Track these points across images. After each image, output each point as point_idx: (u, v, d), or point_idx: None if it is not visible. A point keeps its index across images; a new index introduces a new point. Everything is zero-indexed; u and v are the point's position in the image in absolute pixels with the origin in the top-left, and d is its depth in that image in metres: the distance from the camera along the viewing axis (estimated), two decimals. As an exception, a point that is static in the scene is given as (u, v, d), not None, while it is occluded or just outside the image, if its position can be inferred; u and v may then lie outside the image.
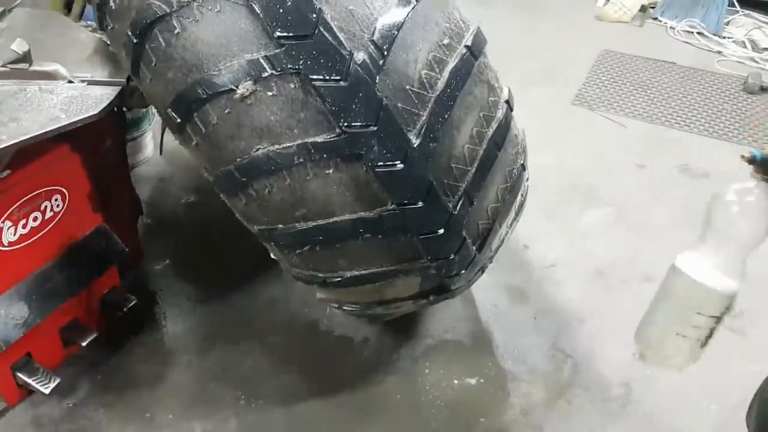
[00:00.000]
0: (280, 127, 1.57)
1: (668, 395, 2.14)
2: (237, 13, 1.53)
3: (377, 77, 1.55)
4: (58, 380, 1.96)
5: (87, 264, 2.04)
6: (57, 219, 1.95)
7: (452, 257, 1.77)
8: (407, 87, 1.60)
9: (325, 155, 1.58)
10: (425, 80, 1.63)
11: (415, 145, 1.60)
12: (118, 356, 2.18)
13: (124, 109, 2.53)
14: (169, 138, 3.00)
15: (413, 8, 1.63)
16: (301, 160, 1.59)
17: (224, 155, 1.66)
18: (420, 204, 1.65)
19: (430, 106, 1.63)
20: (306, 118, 1.56)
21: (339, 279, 1.80)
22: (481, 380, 2.15)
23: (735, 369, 2.22)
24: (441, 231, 1.70)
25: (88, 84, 1.86)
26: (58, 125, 1.69)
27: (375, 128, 1.56)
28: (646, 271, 2.59)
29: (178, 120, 1.68)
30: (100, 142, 2.13)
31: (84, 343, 2.04)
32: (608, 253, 2.66)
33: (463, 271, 1.85)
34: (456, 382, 2.14)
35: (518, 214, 2.08)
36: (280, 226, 1.73)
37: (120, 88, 1.84)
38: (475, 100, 1.76)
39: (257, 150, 1.60)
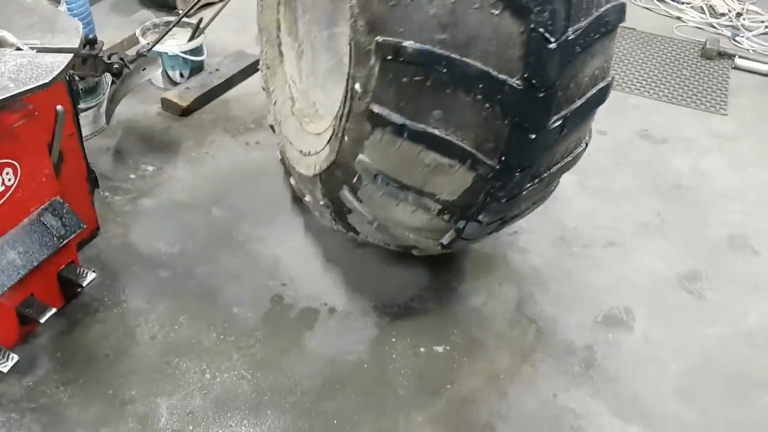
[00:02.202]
0: None
1: (630, 358, 2.18)
2: None
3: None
4: (16, 359, 1.90)
5: (42, 239, 1.98)
6: (9, 193, 1.88)
7: (512, 179, 1.81)
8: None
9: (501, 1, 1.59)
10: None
11: (569, 38, 1.64)
12: (78, 333, 2.13)
13: (77, 77, 2.45)
14: (124, 108, 2.94)
15: None
16: None
17: None
18: (540, 94, 1.67)
19: (591, 18, 1.67)
20: None
21: (420, 130, 1.73)
22: (447, 347, 2.17)
23: (694, 331, 2.28)
24: (532, 137, 1.73)
25: (37, 51, 1.78)
26: (7, 95, 1.62)
27: None
28: (608, 236, 2.62)
29: None
30: (52, 112, 2.04)
31: (42, 320, 1.99)
32: (571, 219, 2.68)
33: (495, 209, 1.87)
34: (422, 349, 2.15)
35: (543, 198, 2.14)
36: (412, 41, 1.64)
37: (72, 55, 1.76)
38: (608, 51, 1.83)
39: None
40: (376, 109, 1.73)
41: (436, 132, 1.72)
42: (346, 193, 1.98)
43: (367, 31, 1.69)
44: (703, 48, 3.81)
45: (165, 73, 3.20)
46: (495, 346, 2.18)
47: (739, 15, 4.13)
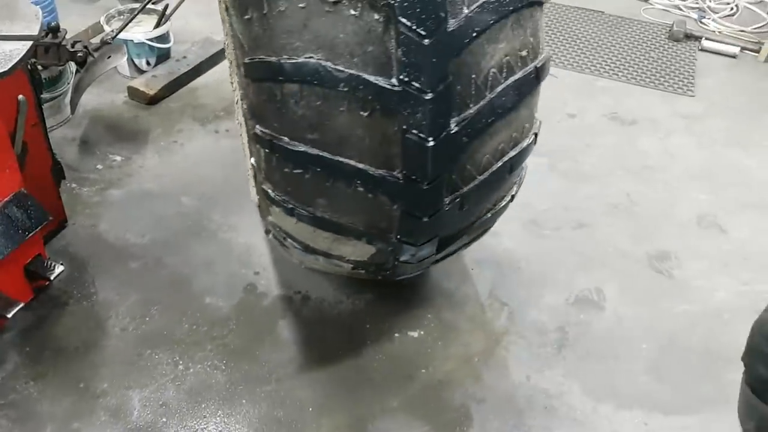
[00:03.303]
0: (344, 48, 1.51)
1: (601, 338, 2.21)
2: None
3: (456, 52, 1.52)
4: (-17, 354, 1.87)
5: (7, 232, 1.93)
6: (-29, 186, 1.84)
7: (415, 249, 1.79)
8: (473, 76, 1.57)
9: (369, 97, 1.53)
10: (490, 79, 1.60)
11: (451, 132, 1.58)
12: (47, 327, 2.10)
13: (40, 66, 2.39)
14: (89, 97, 2.88)
15: (514, 11, 1.60)
16: (345, 89, 1.53)
17: (274, 45, 1.56)
18: (424, 186, 1.63)
19: (481, 104, 1.60)
20: (372, 53, 1.50)
21: (307, 214, 1.74)
22: (421, 332, 2.17)
23: (664, 309, 2.31)
24: (425, 220, 1.70)
25: (-5, 39, 1.73)
26: (-35, 85, 1.58)
27: (429, 97, 1.52)
28: (579, 217, 2.65)
29: None
30: (14, 102, 2.00)
31: (9, 315, 1.95)
32: (542, 202, 2.70)
33: (410, 266, 1.86)
34: (397, 335, 2.16)
35: (473, 241, 2.08)
36: (287, 139, 1.64)
37: (32, 43, 1.72)
38: (516, 121, 1.74)
39: (309, 58, 1.53)
40: (267, 188, 1.75)
41: (326, 216, 1.72)
42: (274, 238, 2.00)
43: (250, 117, 1.71)
44: (670, 30, 3.84)
45: (131, 61, 3.15)
46: (468, 330, 2.19)
47: (705, -3, 4.17)
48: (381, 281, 2.14)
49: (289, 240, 1.89)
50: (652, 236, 2.58)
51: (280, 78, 1.58)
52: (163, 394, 1.95)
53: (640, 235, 2.57)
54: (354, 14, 1.49)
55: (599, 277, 2.40)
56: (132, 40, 3.06)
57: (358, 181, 1.64)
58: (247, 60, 1.64)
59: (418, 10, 1.47)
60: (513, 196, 2.03)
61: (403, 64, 1.49)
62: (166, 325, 2.13)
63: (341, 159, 1.61)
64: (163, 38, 3.18)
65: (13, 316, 1.96)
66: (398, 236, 1.75)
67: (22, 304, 1.99)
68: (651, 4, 4.17)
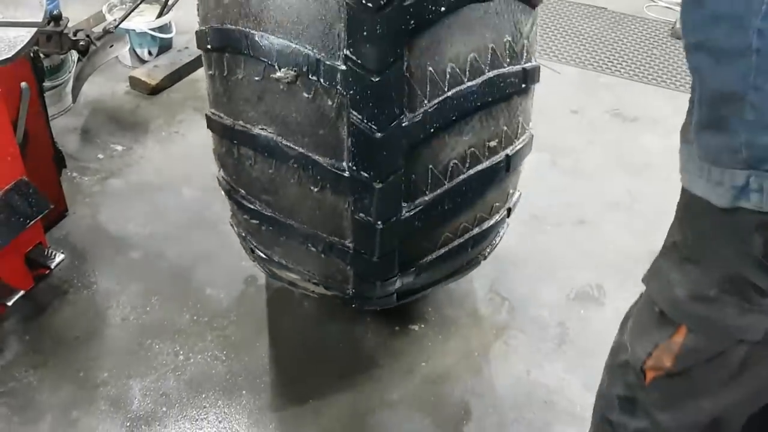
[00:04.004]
0: (297, 127, 1.50)
1: (601, 333, 2.19)
2: None
3: (410, 146, 1.49)
4: (-17, 342, 1.87)
5: (8, 220, 1.93)
6: (-28, 173, 1.83)
7: (373, 302, 1.83)
8: (430, 167, 1.55)
9: (319, 177, 1.53)
10: (450, 169, 1.58)
11: (402, 216, 1.57)
12: (47, 315, 2.10)
13: (42, 55, 2.39)
14: (91, 86, 2.87)
15: (482, 106, 1.56)
16: (295, 165, 1.54)
17: (230, 108, 1.59)
18: (375, 259, 1.63)
19: (438, 192, 1.59)
20: (324, 137, 1.49)
21: (267, 258, 1.80)
22: (422, 326, 2.17)
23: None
24: (379, 283, 1.72)
25: (-1, 26, 1.72)
26: (-32, 71, 1.57)
27: (379, 186, 1.50)
28: (579, 214, 2.64)
29: (209, 46, 1.58)
30: (16, 89, 1.99)
31: (9, 303, 1.95)
32: (543, 198, 2.70)
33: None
34: (397, 328, 2.16)
35: (465, 268, 2.01)
36: (243, 192, 1.69)
37: (35, 29, 1.71)
38: (482, 204, 1.73)
39: (262, 129, 1.53)
40: (232, 222, 1.87)
41: (283, 261, 1.77)
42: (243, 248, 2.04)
43: (217, 162, 1.80)
44: (672, 28, 3.84)
45: (133, 50, 3.14)
46: (469, 324, 2.19)
47: (708, -5, 4.16)
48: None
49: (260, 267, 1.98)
50: (653, 233, 2.54)
51: (235, 141, 1.61)
52: (164, 384, 1.95)
53: (641, 232, 2.57)
54: (308, 97, 1.47)
55: (600, 273, 2.40)
56: (134, 30, 3.05)
57: (310, 244, 1.66)
58: (208, 113, 1.70)
59: (371, 104, 1.42)
60: (485, 256, 2.00)
61: (353, 153, 1.48)
62: (166, 315, 2.13)
63: (293, 223, 1.64)
64: (165, 28, 3.17)
65: (13, 304, 1.96)
66: (354, 290, 1.77)
67: (22, 292, 1.99)
68: (654, 2, 4.17)
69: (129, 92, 3.04)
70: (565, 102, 3.25)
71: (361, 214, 1.55)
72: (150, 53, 3.16)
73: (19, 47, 1.64)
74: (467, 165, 1.61)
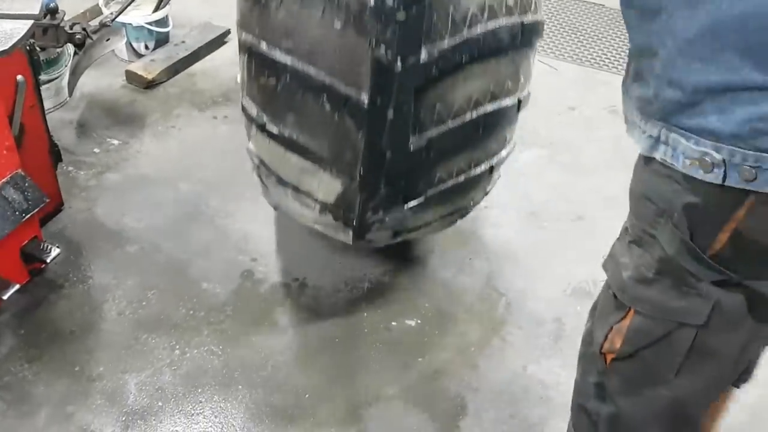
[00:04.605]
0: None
1: (598, 329, 2.20)
2: None
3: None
4: (-22, 336, 1.86)
5: (3, 214, 1.92)
6: (-32, 166, 1.82)
7: (380, 189, 1.77)
8: (451, 9, 1.58)
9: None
10: (469, 17, 1.61)
11: (421, 60, 1.58)
12: (43, 309, 2.09)
13: (38, 48, 2.37)
14: (87, 80, 2.86)
15: None
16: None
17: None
18: (389, 113, 1.63)
19: (456, 39, 1.61)
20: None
21: (277, 132, 1.76)
22: (419, 321, 2.17)
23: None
24: (389, 155, 1.69)
25: (-5, 18, 1.71)
26: (-37, 63, 1.56)
27: (401, 17, 1.53)
28: (577, 210, 2.64)
29: None
30: (12, 82, 1.98)
31: (4, 297, 1.94)
32: (541, 194, 2.70)
33: (379, 212, 1.82)
34: (394, 323, 2.15)
35: (453, 214, 2.06)
36: (264, 44, 1.67)
37: (32, 22, 1.70)
38: (495, 73, 1.74)
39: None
40: (246, 104, 1.81)
41: (293, 137, 1.74)
42: (257, 175, 2.05)
43: (238, 24, 1.76)
44: (670, 25, 3.83)
45: (129, 44, 3.12)
46: (466, 319, 2.19)
47: (706, -8, 4.16)
48: (352, 247, 2.11)
49: (264, 169, 1.91)
50: (650, 230, 2.57)
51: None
52: (160, 379, 1.94)
53: (638, 229, 2.57)
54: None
55: (596, 268, 2.37)
56: (131, 24, 3.04)
57: (326, 96, 1.65)
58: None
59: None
60: (476, 202, 2.04)
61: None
62: (162, 309, 2.12)
63: (312, 69, 1.63)
64: (162, 22, 3.15)
65: (8, 298, 1.95)
66: (362, 170, 1.73)
67: (17, 286, 1.98)
68: (652, -1, 4.16)
69: (125, 86, 3.02)
70: (562, 99, 3.24)
71: (381, 51, 1.57)
72: (147, 47, 3.15)
73: (15, 39, 1.63)
74: (485, 16, 1.67)
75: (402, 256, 2.38)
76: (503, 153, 2.00)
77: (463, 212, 2.07)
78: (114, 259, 2.27)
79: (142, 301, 2.14)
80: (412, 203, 1.82)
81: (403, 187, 1.81)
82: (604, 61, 3.57)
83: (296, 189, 1.86)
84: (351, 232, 1.89)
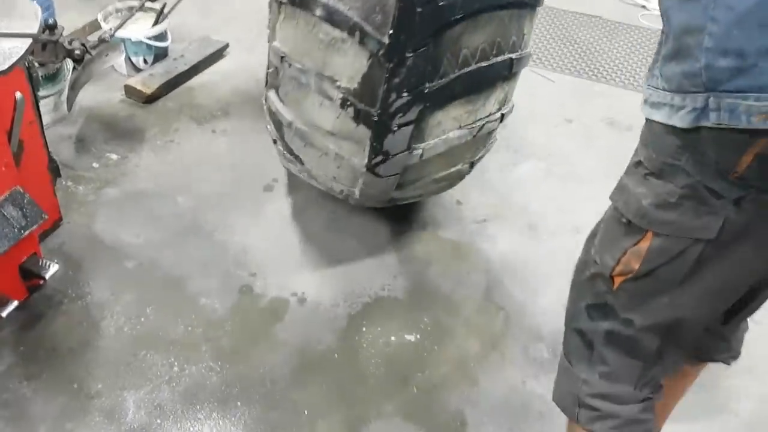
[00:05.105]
0: None
1: (597, 343, 2.20)
2: None
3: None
4: (-24, 353, 1.86)
5: (2, 231, 1.92)
6: (-34, 183, 1.83)
7: (406, 61, 1.83)
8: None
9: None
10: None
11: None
12: (42, 326, 2.08)
13: (37, 64, 2.38)
14: (86, 95, 2.87)
15: None
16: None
17: None
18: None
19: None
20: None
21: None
22: (418, 336, 2.17)
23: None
24: (419, 10, 1.74)
25: (-7, 37, 1.72)
26: (-38, 83, 1.57)
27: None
28: (575, 222, 2.64)
29: None
30: (11, 99, 1.98)
31: (3, 314, 1.94)
32: (539, 207, 2.70)
33: (403, 95, 1.86)
34: (393, 338, 2.15)
35: (454, 169, 2.19)
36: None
37: (31, 41, 1.71)
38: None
39: None
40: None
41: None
42: (272, 96, 2.17)
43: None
44: (667, 36, 3.85)
45: (128, 59, 3.13)
46: (464, 334, 2.19)
47: (702, 3, 4.18)
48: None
49: (286, 66, 2.03)
50: (648, 242, 2.58)
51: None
52: (158, 396, 1.94)
53: (636, 241, 2.58)
54: None
55: (595, 282, 2.40)
56: (129, 39, 3.05)
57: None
58: None
59: None
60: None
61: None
62: (161, 325, 2.12)
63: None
64: (161, 36, 3.17)
65: (7, 315, 1.95)
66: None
67: (16, 303, 1.99)
68: (648, 10, 4.18)
69: (124, 101, 3.03)
70: (559, 110, 3.26)
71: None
72: (145, 61, 3.16)
73: (14, 59, 1.64)
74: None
75: (400, 270, 2.38)
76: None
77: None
78: (112, 274, 2.27)
79: (141, 317, 2.14)
80: (430, 84, 1.90)
81: (430, 57, 1.87)
82: (601, 72, 3.58)
83: (319, 77, 1.93)
84: (366, 153, 1.98)
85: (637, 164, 1.23)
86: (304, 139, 2.12)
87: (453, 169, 2.25)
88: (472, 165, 2.32)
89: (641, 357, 1.33)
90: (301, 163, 2.22)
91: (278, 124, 2.20)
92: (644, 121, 1.20)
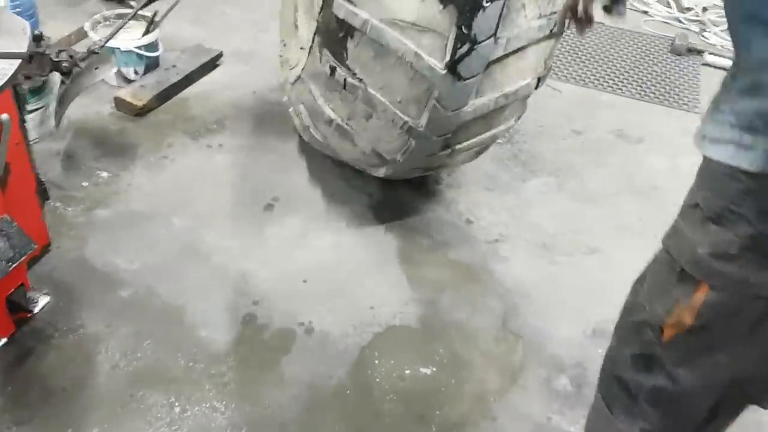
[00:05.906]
0: None
1: (620, 373, 2.10)
2: None
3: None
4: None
5: (-13, 262, 1.78)
6: (-52, 213, 1.68)
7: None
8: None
9: None
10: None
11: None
12: (31, 363, 1.93)
13: (22, 78, 2.23)
14: (74, 107, 2.71)
15: None
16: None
17: None
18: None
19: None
20: None
21: None
22: (433, 368, 2.05)
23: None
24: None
25: (-22, 57, 1.57)
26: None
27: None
28: (590, 241, 2.55)
29: None
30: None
31: (-11, 353, 1.80)
32: (551, 225, 2.60)
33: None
34: (408, 372, 2.03)
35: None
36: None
37: (20, 61, 1.56)
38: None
39: None
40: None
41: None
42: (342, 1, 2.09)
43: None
44: (672, 44, 3.76)
45: (118, 70, 2.98)
46: (482, 366, 2.08)
47: (705, 9, 4.10)
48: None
49: (350, 10, 2.01)
50: (667, 262, 2.48)
51: None
52: (159, 440, 1.81)
53: (654, 262, 2.48)
54: None
55: (616, 306, 2.28)
56: (119, 48, 2.90)
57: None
58: None
59: None
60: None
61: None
62: (160, 361, 1.98)
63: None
64: (152, 46, 3.02)
65: (-6, 354, 1.80)
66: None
67: (4, 340, 1.84)
68: (651, 16, 4.10)
69: (114, 114, 2.88)
70: (567, 122, 3.15)
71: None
72: (136, 72, 3.01)
73: (2, 81, 1.50)
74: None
75: (411, 296, 2.26)
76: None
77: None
78: (106, 304, 2.12)
79: (137, 353, 2.00)
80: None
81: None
82: (606, 81, 3.49)
83: None
84: (449, 45, 1.93)
85: (693, 207, 1.14)
86: (380, 40, 1.99)
87: (492, 135, 2.34)
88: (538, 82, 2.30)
89: (689, 419, 1.23)
90: (349, 117, 2.25)
91: (342, 41, 2.09)
92: (701, 158, 1.12)
